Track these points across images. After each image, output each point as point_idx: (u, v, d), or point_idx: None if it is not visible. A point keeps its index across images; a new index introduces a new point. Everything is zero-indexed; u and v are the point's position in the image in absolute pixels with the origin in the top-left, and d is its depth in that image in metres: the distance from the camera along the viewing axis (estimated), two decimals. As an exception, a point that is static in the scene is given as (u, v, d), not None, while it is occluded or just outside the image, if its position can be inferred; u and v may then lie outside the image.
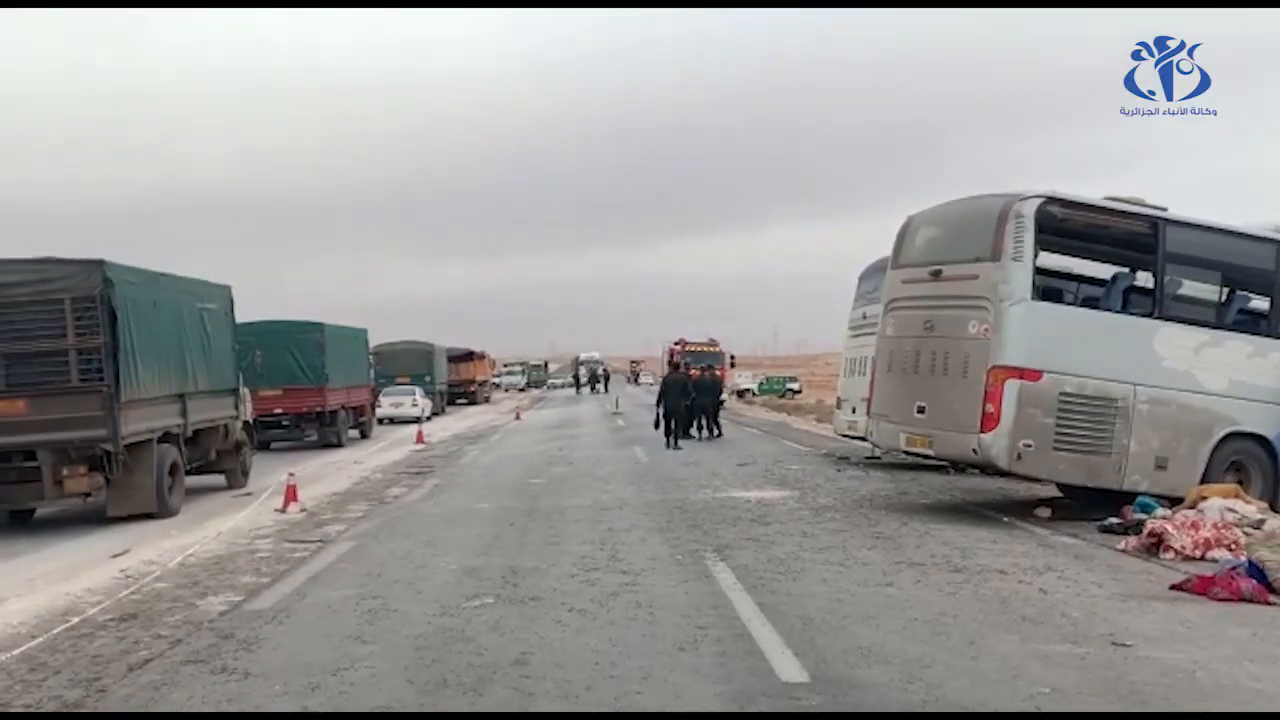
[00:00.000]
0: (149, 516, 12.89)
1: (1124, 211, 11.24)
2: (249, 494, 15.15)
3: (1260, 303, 12.01)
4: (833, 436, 22.85)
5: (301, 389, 24.69)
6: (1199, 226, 11.43)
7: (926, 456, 12.86)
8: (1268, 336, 11.50)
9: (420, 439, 25.71)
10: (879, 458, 17.90)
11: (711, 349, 44.59)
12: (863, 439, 16.67)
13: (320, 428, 25.41)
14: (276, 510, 12.98)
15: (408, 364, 41.54)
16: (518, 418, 36.73)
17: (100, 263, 12.17)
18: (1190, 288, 11.77)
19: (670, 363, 32.01)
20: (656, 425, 22.52)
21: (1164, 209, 11.33)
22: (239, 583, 8.54)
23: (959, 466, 15.21)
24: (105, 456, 12.24)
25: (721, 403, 27.16)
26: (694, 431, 24.58)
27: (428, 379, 42.11)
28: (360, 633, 6.62)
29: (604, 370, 78.81)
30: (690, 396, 23.52)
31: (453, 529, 11.02)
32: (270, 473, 16.90)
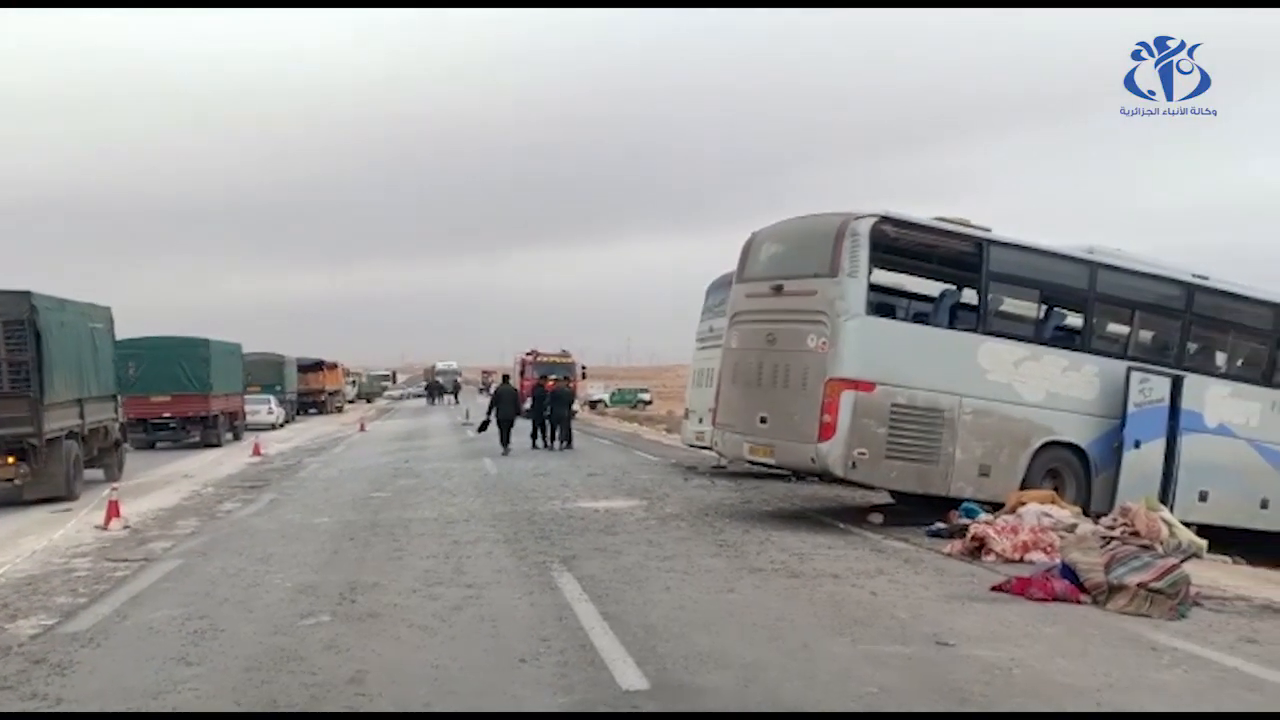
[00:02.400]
0: (59, 499, 15.21)
1: (951, 231, 11.82)
2: (68, 509, 14.27)
3: (1075, 319, 12.83)
4: (682, 446, 23.16)
5: (188, 396, 28.23)
6: (1019, 247, 12.12)
7: (769, 465, 13.18)
8: (1081, 351, 12.28)
9: (257, 451, 24.77)
10: (725, 467, 18.21)
11: (564, 360, 44.54)
12: (710, 449, 16.96)
13: (203, 430, 28.82)
14: (97, 527, 12.26)
15: (259, 374, 40.90)
16: (362, 429, 35.85)
17: (28, 293, 14.97)
18: (1011, 304, 12.48)
19: (503, 376, 32.19)
20: (481, 429, 24.40)
21: (988, 229, 11.97)
22: (53, 604, 8.02)
23: (800, 474, 15.63)
24: (31, 449, 14.82)
25: (574, 413, 27.17)
26: (545, 442, 24.62)
27: (278, 388, 42.83)
28: (185, 654, 6.32)
29: (455, 381, 77.61)
30: (516, 408, 24.67)
31: (289, 545, 10.65)
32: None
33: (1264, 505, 13.21)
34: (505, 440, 23.48)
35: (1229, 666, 5.99)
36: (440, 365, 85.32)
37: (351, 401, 70.85)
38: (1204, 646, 6.46)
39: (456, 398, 68.53)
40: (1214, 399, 12.84)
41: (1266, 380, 13.48)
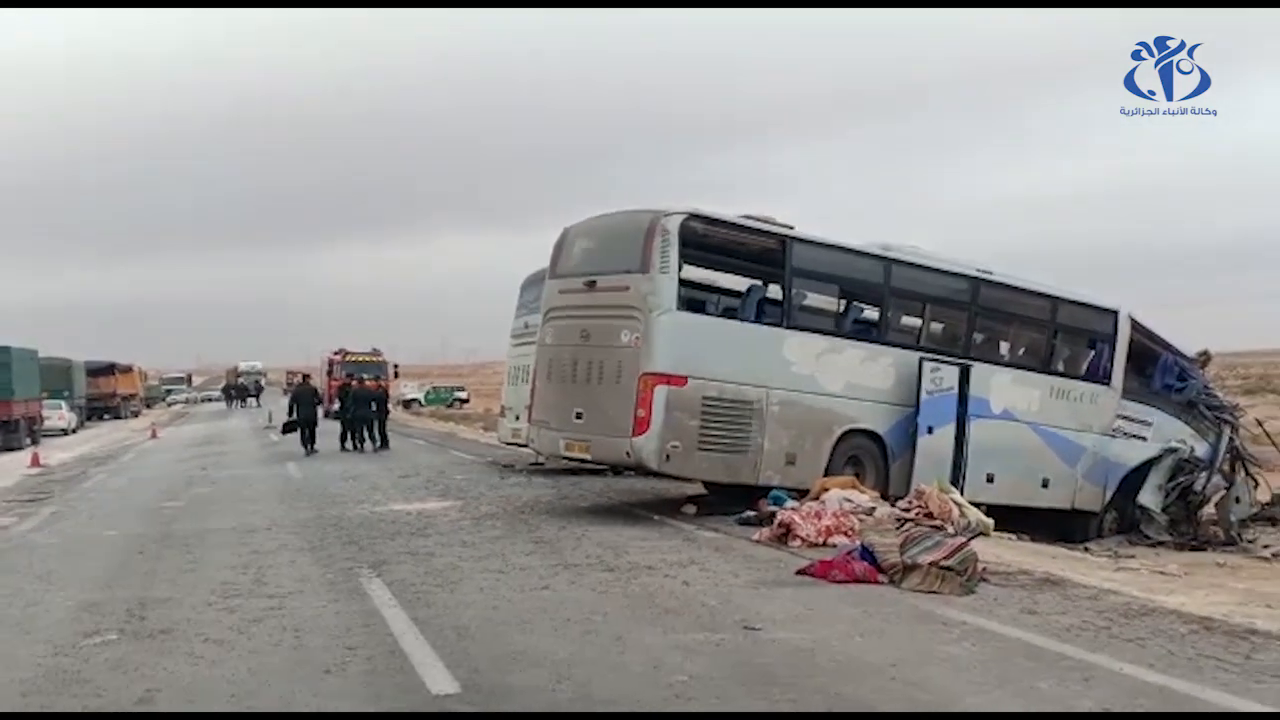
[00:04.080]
0: None
1: (757, 229, 12.16)
2: None
3: (872, 313, 13.44)
4: (499, 445, 22.96)
5: None
6: (820, 244, 12.60)
7: (586, 461, 13.21)
8: (878, 343, 12.88)
9: (36, 461, 23.04)
10: (543, 464, 18.15)
11: (374, 359, 43.63)
12: (527, 446, 16.86)
13: (5, 434, 29.92)
14: None
15: (45, 380, 38.33)
16: (154, 435, 33.87)
17: None
18: (814, 299, 12.95)
19: (302, 375, 31.21)
20: (284, 431, 24.07)
21: (791, 227, 12.38)
22: None
23: (616, 469, 15.75)
24: None
25: (387, 414, 26.60)
26: (356, 444, 23.99)
27: (66, 394, 41.91)
28: (-49, 684, 5.77)
29: (257, 383, 74.36)
30: (316, 409, 24.49)
31: (72, 561, 9.90)
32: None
33: (1045, 484, 14.21)
34: (309, 442, 23.06)
35: (1011, 638, 6.39)
36: (243, 366, 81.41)
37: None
38: (989, 619, 6.87)
39: (258, 400, 65.61)
40: (999, 386, 13.71)
41: (1045, 367, 14.52)
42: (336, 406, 26.06)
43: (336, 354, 44.05)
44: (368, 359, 43.07)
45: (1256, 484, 16.43)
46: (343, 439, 24.17)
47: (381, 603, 7.54)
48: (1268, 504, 16.11)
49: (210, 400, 77.51)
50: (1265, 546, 14.27)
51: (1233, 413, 16.74)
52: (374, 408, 24.60)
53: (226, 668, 5.91)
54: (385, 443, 24.15)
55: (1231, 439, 16.07)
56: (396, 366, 49.44)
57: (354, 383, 26.43)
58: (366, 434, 24.13)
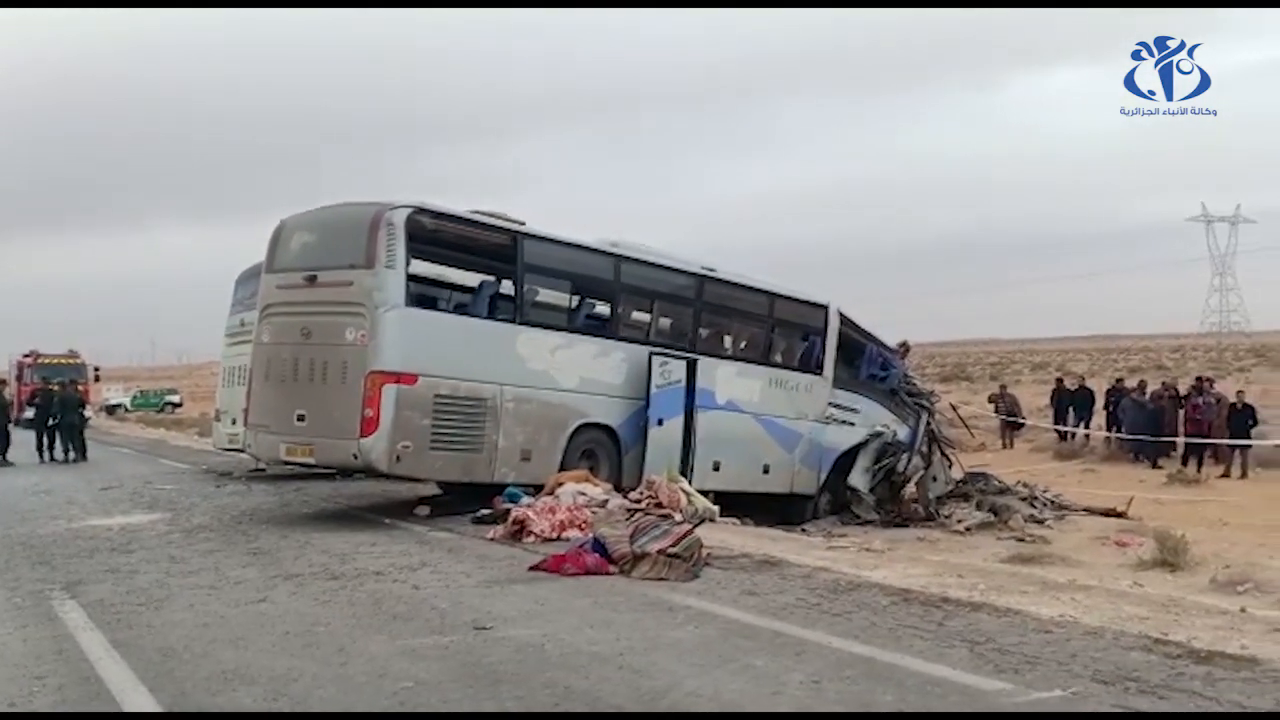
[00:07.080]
0: None
1: (487, 224, 12.04)
2: None
3: (603, 308, 13.66)
4: (215, 451, 21.59)
5: None
6: (551, 240, 12.65)
7: (311, 465, 12.63)
8: (609, 339, 13.10)
9: None
10: (264, 470, 17.18)
11: (71, 361, 40.19)
12: (244, 451, 15.91)
13: None
14: None
15: None
16: None
17: None
18: (546, 295, 12.99)
19: None
20: None
21: (523, 223, 12.34)
22: None
23: (345, 473, 15.16)
24: None
25: (86, 421, 24.50)
26: (53, 455, 22.03)
27: None
28: None
29: None
30: (8, 417, 22.46)
31: None
32: None
33: (766, 470, 14.96)
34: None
35: (732, 619, 6.66)
36: None
37: None
38: (712, 602, 7.13)
39: None
40: (723, 378, 14.29)
41: (764, 359, 15.30)
42: (29, 414, 23.81)
43: (27, 356, 40.57)
44: (63, 361, 39.67)
45: (951, 463, 18.07)
46: (39, 450, 22.24)
47: (76, 626, 6.86)
48: (961, 482, 17.69)
49: None
50: (959, 521, 15.63)
51: (930, 399, 18.35)
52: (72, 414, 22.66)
53: (-120, 715, 5.17)
54: (83, 452, 22.26)
55: (929, 423, 17.57)
56: (98, 369, 45.56)
57: (57, 387, 24.18)
58: (66, 444, 22.17)
